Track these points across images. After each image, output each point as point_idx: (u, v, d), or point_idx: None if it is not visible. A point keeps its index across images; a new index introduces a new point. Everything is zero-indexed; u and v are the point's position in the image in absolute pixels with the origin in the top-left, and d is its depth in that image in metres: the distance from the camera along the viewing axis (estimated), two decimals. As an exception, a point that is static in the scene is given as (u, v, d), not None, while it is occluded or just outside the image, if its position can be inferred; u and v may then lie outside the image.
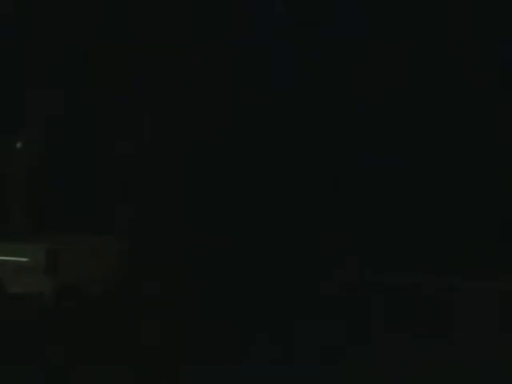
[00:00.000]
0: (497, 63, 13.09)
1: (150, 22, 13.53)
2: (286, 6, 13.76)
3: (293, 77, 13.73)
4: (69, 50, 13.34)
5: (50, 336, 10.61)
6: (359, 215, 13.55)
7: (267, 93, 13.73)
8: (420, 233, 13.23)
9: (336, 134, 13.64)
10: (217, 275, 13.13)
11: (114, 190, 13.30)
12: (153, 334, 11.20)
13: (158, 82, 13.61)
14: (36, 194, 12.67)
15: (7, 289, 11.08)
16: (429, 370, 9.83)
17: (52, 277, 11.01)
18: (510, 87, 13.00)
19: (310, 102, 13.76)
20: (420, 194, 13.31)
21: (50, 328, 10.70)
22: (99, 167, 13.33)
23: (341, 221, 13.54)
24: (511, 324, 11.64)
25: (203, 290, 12.69)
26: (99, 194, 13.20)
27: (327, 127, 13.70)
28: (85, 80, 13.34)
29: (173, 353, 10.65)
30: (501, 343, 10.84)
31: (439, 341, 11.07)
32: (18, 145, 12.61)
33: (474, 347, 10.70)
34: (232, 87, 13.74)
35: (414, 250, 13.07)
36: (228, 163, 13.81)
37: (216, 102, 13.76)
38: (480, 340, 11.04)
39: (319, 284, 13.23)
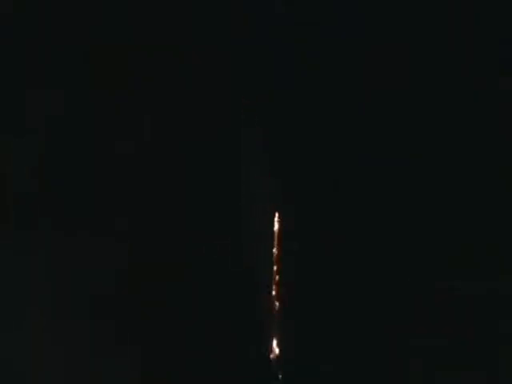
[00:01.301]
0: (497, 63, 13.10)
1: (150, 22, 13.55)
2: (286, 6, 13.76)
3: (293, 77, 13.74)
4: (69, 49, 13.35)
5: None
6: (359, 215, 13.57)
7: (267, 93, 13.74)
8: (420, 233, 13.24)
9: (336, 134, 13.65)
10: (217, 275, 13.14)
11: (114, 190, 13.31)
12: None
13: (157, 82, 13.62)
14: (36, 193, 12.68)
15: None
16: (429, 370, 9.84)
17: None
18: (510, 87, 13.01)
19: (310, 102, 13.78)
20: (420, 193, 13.32)
21: None
22: (99, 167, 13.34)
23: (341, 221, 13.56)
24: (511, 324, 11.65)
25: (203, 290, 12.70)
26: (99, 194, 13.21)
27: (327, 127, 13.72)
28: (85, 80, 13.36)
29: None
30: (501, 343, 10.86)
31: (439, 341, 11.08)
32: (18, 145, 12.61)
33: (474, 347, 10.71)
34: (232, 87, 13.75)
35: (413, 250, 13.09)
36: (228, 163, 13.83)
37: (216, 102, 13.77)
38: (480, 340, 11.05)
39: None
